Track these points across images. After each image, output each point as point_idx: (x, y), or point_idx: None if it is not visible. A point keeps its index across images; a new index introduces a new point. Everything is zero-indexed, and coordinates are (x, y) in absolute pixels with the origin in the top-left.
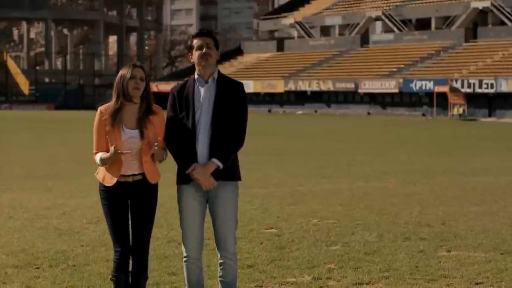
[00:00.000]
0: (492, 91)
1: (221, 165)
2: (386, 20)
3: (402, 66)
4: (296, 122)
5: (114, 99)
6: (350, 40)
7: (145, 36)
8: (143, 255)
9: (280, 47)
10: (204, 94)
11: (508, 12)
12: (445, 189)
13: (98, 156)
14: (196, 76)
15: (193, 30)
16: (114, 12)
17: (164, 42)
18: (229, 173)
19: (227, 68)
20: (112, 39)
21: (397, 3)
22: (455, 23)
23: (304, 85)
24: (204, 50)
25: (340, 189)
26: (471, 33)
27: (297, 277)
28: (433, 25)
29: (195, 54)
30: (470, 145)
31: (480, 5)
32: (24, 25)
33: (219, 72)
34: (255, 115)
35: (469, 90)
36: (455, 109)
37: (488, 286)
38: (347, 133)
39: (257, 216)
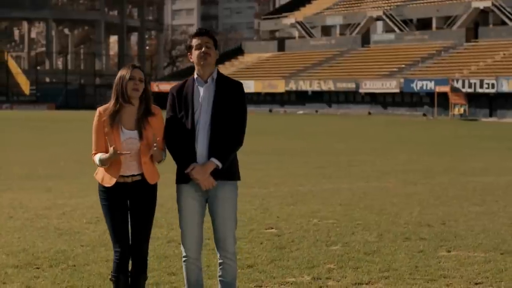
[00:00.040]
0: (493, 91)
1: (220, 165)
2: (387, 20)
3: (403, 66)
4: (297, 122)
5: (113, 100)
6: (351, 40)
7: (146, 36)
8: (143, 255)
9: (281, 47)
10: (203, 94)
11: (509, 12)
12: (446, 189)
13: (97, 157)
14: (195, 76)
15: (194, 30)
16: (115, 12)
17: (165, 42)
18: (229, 172)
19: (228, 68)
20: (113, 39)
21: (398, 3)
22: (456, 23)
23: (305, 85)
24: (203, 49)
25: (340, 189)
26: (472, 33)
27: (297, 277)
28: (434, 25)
29: (194, 53)
30: (470, 145)
31: (481, 5)
32: (25, 25)
33: (218, 72)
34: (254, 115)
35: (470, 90)
36: (456, 109)
37: (487, 286)
38: (348, 133)
39: (257, 216)
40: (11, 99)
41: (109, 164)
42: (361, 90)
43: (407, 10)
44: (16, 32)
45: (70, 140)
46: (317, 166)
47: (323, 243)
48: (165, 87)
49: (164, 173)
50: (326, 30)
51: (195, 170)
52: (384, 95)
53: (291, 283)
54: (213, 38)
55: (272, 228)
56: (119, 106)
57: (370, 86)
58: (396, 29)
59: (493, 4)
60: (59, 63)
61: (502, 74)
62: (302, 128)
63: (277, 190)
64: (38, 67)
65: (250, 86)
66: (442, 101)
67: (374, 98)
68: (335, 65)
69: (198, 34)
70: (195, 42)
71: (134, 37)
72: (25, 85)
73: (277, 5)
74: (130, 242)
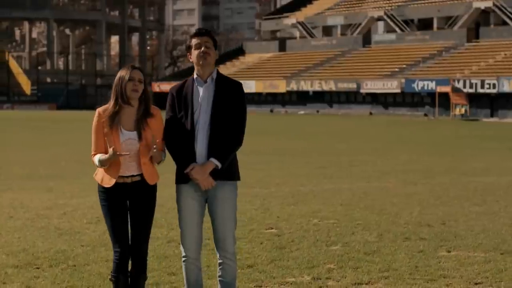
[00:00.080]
0: (494, 91)
1: (219, 165)
2: (388, 20)
3: (404, 66)
4: (298, 122)
5: (112, 101)
6: (352, 40)
7: (147, 36)
8: (142, 256)
9: (282, 47)
10: (202, 94)
11: (510, 12)
12: (446, 189)
13: (96, 158)
14: (195, 76)
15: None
16: (116, 12)
17: (166, 42)
18: (228, 172)
19: (229, 68)
20: (114, 39)
21: (399, 3)
22: (457, 23)
23: (306, 85)
24: (202, 49)
25: (341, 189)
26: (473, 33)
27: (297, 277)
28: (435, 25)
29: (194, 53)
30: (472, 145)
31: (482, 5)
32: (26, 25)
33: (218, 72)
34: (255, 115)
35: (471, 90)
36: (457, 109)
37: (487, 286)
38: (349, 133)
39: (257, 216)
40: (12, 99)
41: (109, 165)
42: (362, 90)
43: (408, 10)
44: (17, 32)
45: (71, 140)
46: (318, 166)
47: (323, 243)
48: (166, 87)
49: (164, 173)
50: (327, 30)
51: (195, 170)
52: (385, 95)
53: (291, 283)
54: (213, 38)
55: (272, 228)
56: (119, 107)
57: (371, 86)
58: (397, 29)
59: (494, 4)
60: (60, 63)
61: (503, 74)
62: (303, 128)
63: (278, 190)
64: (39, 67)
65: (251, 86)
66: (443, 101)
67: (375, 98)
68: (336, 65)
69: (197, 34)
70: (194, 42)
71: (135, 37)
72: (26, 85)
73: (278, 5)
74: (129, 243)
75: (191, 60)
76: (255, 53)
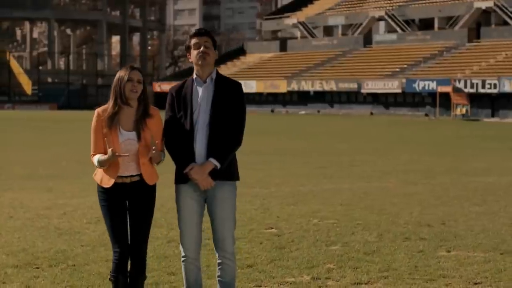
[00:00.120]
0: (495, 91)
1: (218, 165)
2: (389, 20)
3: (405, 66)
4: (299, 122)
5: (111, 102)
6: (353, 40)
7: (148, 36)
8: (141, 256)
9: (283, 47)
10: (202, 94)
11: (511, 12)
12: (446, 189)
13: (95, 158)
14: (194, 76)
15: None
16: (117, 12)
17: (167, 42)
18: (227, 172)
19: (230, 68)
20: (115, 39)
21: (400, 3)
22: (458, 23)
23: (307, 85)
24: (202, 49)
25: (341, 189)
26: (474, 33)
27: (296, 277)
28: (436, 25)
29: (193, 53)
30: (472, 145)
31: (483, 5)
32: (27, 25)
33: (217, 72)
34: (256, 115)
35: (472, 90)
36: (458, 109)
37: (486, 286)
38: (349, 133)
39: (257, 216)
40: (13, 99)
41: (108, 165)
42: (363, 90)
43: (409, 10)
44: (18, 32)
45: (72, 140)
46: (318, 166)
47: (323, 243)
48: (167, 87)
49: (164, 173)
50: (328, 30)
51: (194, 170)
52: (386, 95)
53: (291, 283)
54: (212, 38)
55: (272, 228)
56: (118, 108)
57: (372, 86)
58: (398, 29)
59: (495, 4)
60: (61, 63)
61: (504, 74)
62: (304, 128)
63: (278, 190)
64: (40, 67)
65: (252, 86)
66: (444, 101)
67: (376, 98)
68: (337, 65)
69: (197, 34)
70: (193, 42)
71: (136, 37)
72: (27, 85)
73: (279, 5)
74: (129, 243)
75: (190, 60)
76: (256, 53)
